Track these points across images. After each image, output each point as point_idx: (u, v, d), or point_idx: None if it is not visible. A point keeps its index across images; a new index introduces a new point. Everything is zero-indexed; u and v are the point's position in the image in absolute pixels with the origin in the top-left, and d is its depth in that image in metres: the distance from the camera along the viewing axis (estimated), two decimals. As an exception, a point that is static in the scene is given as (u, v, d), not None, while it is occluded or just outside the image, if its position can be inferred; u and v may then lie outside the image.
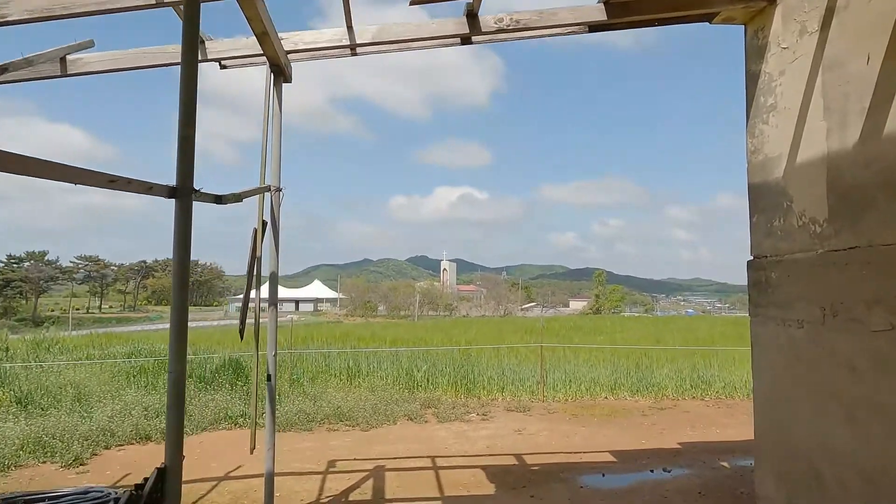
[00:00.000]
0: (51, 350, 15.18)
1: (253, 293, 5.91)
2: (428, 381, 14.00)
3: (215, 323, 66.30)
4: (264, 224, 5.93)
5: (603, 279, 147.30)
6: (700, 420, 11.77)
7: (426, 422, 11.44)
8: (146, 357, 13.44)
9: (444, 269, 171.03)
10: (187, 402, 11.18)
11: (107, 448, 9.39)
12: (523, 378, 14.23)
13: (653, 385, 14.34)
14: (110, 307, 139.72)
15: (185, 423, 10.35)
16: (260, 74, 6.14)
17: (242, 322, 6.01)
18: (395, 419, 11.45)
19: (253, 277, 5.83)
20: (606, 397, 14.10)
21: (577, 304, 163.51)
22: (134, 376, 12.35)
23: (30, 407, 10.47)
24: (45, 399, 10.77)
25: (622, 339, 19.40)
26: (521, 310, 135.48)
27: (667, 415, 12.43)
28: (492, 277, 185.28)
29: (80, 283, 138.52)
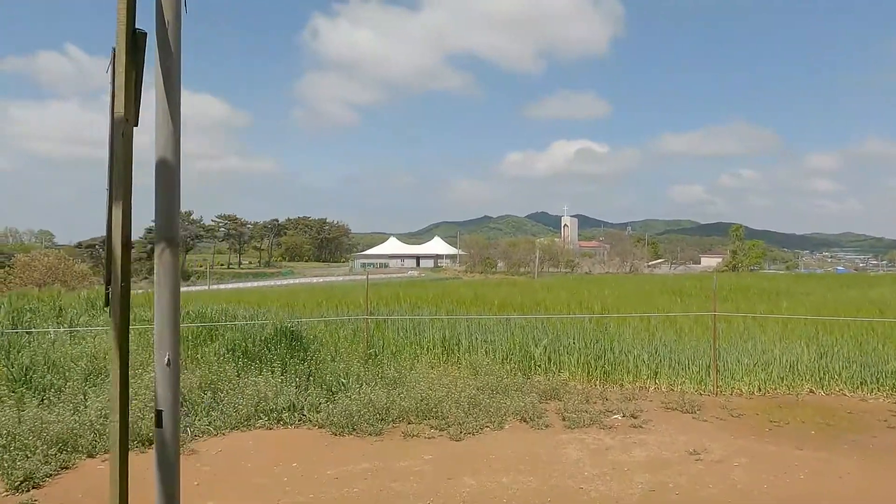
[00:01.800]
0: (104, 310, 13.05)
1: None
2: (550, 360, 10.30)
3: (340, 279, 65.73)
4: (136, 37, 2.38)
5: (741, 233, 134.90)
6: None
7: (547, 426, 7.78)
8: (194, 321, 10.80)
9: (565, 225, 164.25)
10: (225, 385, 8.27)
11: (90, 457, 6.61)
12: (684, 360, 10.12)
13: (886, 374, 9.70)
14: (249, 263, 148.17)
15: (208, 417, 7.40)
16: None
17: (109, 274, 2.59)
18: (501, 420, 7.90)
19: (114, 173, 2.38)
20: (812, 391, 9.69)
21: (709, 261, 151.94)
22: (170, 347, 9.68)
23: (23, 389, 7.99)
24: (50, 377, 8.26)
25: (818, 306, 14.13)
26: (648, 266, 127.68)
27: (931, 428, 7.91)
28: (615, 233, 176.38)
29: (221, 241, 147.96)
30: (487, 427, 7.68)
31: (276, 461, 6.52)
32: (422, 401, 8.16)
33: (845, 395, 9.54)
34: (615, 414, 8.29)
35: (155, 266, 2.44)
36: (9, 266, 57.24)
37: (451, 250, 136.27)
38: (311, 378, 8.76)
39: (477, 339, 10.84)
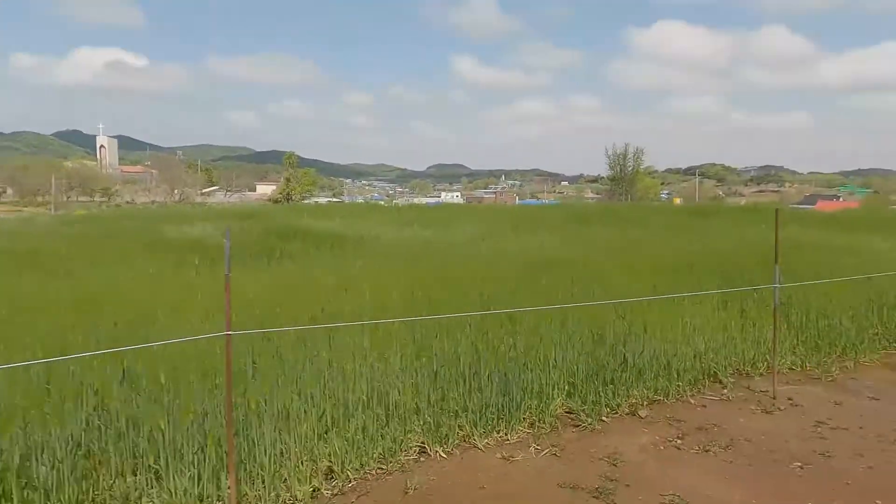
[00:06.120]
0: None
1: None
2: None
3: None
4: None
5: (294, 161, 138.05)
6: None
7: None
8: None
9: (102, 146, 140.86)
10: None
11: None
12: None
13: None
14: None
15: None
16: None
17: None
18: None
19: None
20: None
21: (264, 188, 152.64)
22: None
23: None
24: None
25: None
26: (201, 194, 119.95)
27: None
28: (165, 158, 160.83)
29: None
30: None
31: None
32: None
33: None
34: None
35: None
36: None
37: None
38: None
39: None
